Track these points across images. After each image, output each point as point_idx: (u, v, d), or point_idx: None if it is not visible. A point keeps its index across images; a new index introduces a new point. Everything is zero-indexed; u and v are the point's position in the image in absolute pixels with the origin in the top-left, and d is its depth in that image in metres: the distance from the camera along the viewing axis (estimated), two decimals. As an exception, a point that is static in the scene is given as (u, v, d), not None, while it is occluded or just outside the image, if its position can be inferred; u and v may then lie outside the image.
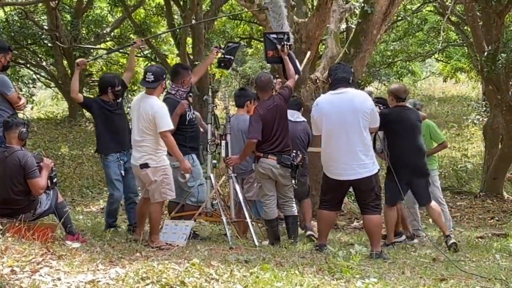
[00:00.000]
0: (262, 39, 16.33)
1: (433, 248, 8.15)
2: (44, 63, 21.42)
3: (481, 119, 21.68)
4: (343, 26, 17.14)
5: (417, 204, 9.02)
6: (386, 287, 5.38)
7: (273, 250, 7.26)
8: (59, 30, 18.85)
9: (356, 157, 7.13)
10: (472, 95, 31.34)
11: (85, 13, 20.26)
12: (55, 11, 18.72)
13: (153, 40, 21.97)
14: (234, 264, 5.81)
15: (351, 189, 7.71)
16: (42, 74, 22.46)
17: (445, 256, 7.36)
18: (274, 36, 8.41)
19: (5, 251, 5.49)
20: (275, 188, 8.12)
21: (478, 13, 15.55)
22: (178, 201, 8.21)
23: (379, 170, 7.35)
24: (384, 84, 29.21)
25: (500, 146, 16.61)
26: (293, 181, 8.02)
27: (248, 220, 8.00)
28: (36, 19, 20.17)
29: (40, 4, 20.30)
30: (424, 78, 35.25)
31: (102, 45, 22.25)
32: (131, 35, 21.08)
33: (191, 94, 8.56)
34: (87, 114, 19.52)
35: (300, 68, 8.75)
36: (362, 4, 11.63)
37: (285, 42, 8.23)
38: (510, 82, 15.80)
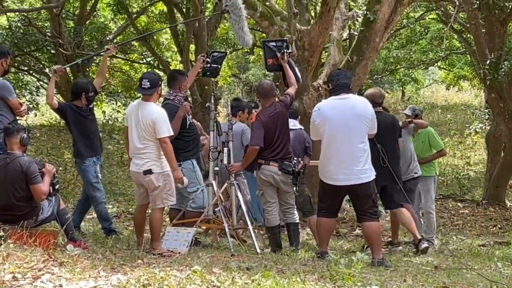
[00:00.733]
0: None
1: (435, 256, 8.16)
2: (47, 70, 21.44)
3: (483, 127, 21.65)
4: (346, 33, 17.12)
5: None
6: (388, 295, 5.38)
7: (274, 257, 7.25)
8: (62, 37, 18.84)
9: (357, 162, 7.15)
10: (475, 103, 31.34)
11: (88, 20, 20.27)
12: (58, 18, 18.71)
13: (156, 47, 22.00)
14: (236, 271, 5.80)
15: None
16: (45, 81, 22.47)
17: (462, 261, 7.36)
18: (273, 44, 8.44)
19: (7, 257, 5.50)
20: (277, 195, 8.12)
21: (481, 21, 15.54)
22: (179, 207, 8.22)
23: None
24: (387, 92, 29.18)
25: (502, 154, 16.59)
26: (295, 188, 8.04)
27: (250, 227, 8.01)
28: (39, 26, 20.19)
29: (43, 11, 20.32)
30: (427, 86, 35.26)
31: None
32: (134, 42, 21.09)
33: (188, 100, 8.63)
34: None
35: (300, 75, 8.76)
36: (365, 12, 11.68)
37: (285, 50, 8.26)
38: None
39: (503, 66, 14.62)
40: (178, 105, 8.21)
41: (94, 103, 9.15)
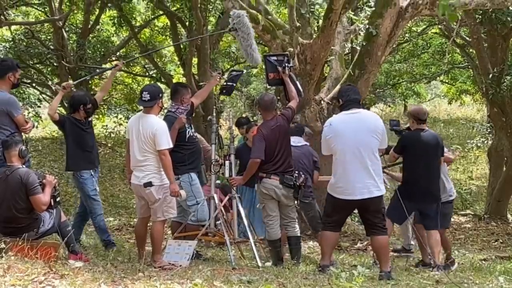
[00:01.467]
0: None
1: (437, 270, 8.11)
2: (49, 83, 21.50)
3: (485, 141, 21.64)
4: (348, 47, 17.15)
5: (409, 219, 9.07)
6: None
7: (276, 270, 7.24)
8: (65, 50, 18.92)
9: (370, 176, 7.15)
10: (477, 118, 31.34)
11: (91, 34, 20.34)
12: (61, 31, 18.79)
13: (159, 60, 22.05)
14: (237, 285, 5.80)
15: (355, 210, 7.72)
16: (48, 93, 22.52)
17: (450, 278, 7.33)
18: (275, 58, 8.46)
19: (8, 269, 5.50)
20: (278, 209, 8.10)
21: (483, 36, 15.59)
22: (181, 220, 8.22)
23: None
24: (389, 106, 29.18)
25: (504, 168, 16.59)
26: (296, 202, 8.04)
27: (251, 241, 8.00)
28: (42, 39, 20.27)
29: (47, 24, 20.41)
30: (429, 100, 35.26)
31: (108, 65, 22.39)
32: (137, 55, 21.13)
33: (192, 115, 8.63)
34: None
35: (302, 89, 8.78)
36: (367, 26, 11.69)
37: (286, 64, 8.28)
38: (515, 105, 15.81)
39: (505, 80, 14.66)
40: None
41: (95, 116, 9.17)
